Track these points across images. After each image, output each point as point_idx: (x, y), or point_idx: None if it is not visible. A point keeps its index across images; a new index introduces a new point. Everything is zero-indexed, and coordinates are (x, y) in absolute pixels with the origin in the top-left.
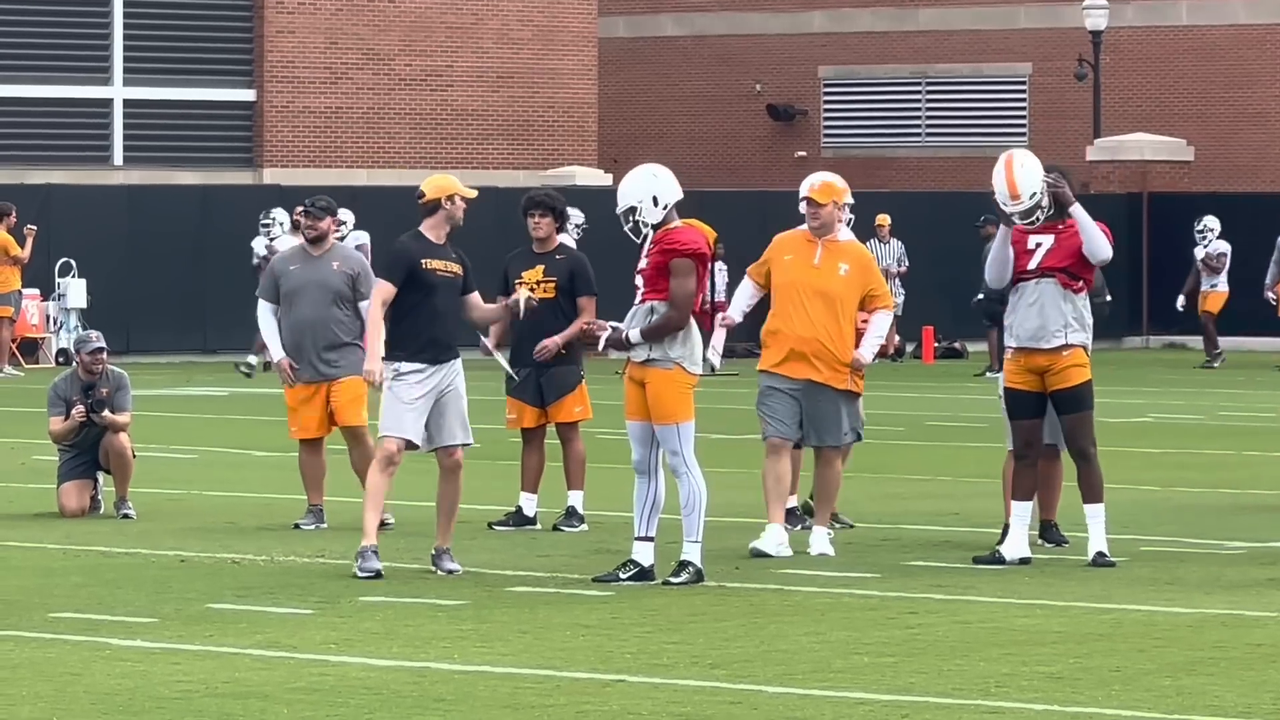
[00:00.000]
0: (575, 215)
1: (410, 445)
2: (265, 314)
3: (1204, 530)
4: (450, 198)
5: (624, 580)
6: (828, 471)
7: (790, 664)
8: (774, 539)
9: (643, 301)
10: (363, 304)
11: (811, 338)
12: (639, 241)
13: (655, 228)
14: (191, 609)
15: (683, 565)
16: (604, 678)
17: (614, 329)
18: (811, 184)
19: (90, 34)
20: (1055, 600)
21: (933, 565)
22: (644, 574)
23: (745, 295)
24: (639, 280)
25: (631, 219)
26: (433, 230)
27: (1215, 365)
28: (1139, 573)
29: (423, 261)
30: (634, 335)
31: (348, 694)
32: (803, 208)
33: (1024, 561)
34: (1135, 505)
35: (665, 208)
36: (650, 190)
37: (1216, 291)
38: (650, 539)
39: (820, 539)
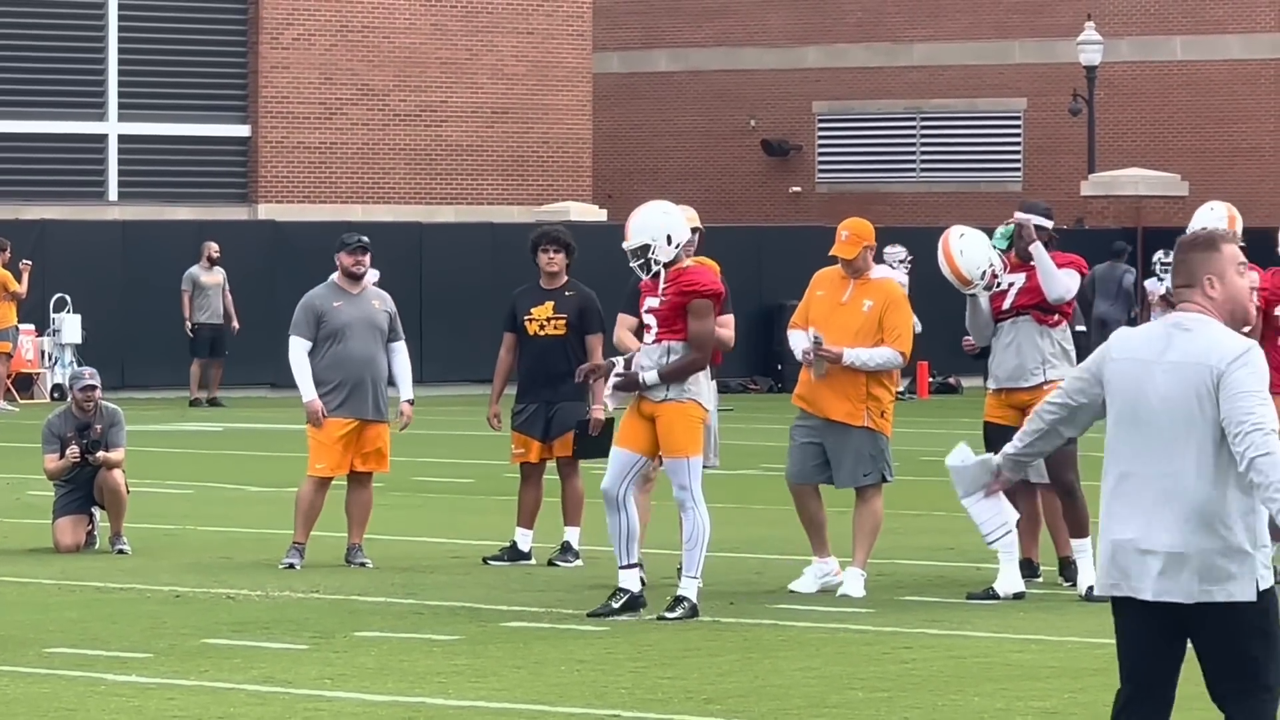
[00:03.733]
0: None
1: None
2: (300, 352)
3: None
4: None
5: (616, 608)
6: (863, 510)
7: (784, 699)
8: (816, 572)
9: (658, 341)
10: (394, 344)
11: (830, 374)
12: (648, 278)
13: (666, 266)
14: (186, 644)
15: (678, 600)
16: (598, 713)
17: (622, 374)
18: (840, 237)
19: (85, 69)
20: (1050, 635)
21: (927, 600)
22: (635, 600)
23: (800, 342)
24: (651, 320)
25: (644, 256)
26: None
27: None
28: None
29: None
30: (650, 377)
31: None
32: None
33: (1018, 596)
34: None
35: (677, 246)
36: (664, 229)
37: None
38: (635, 565)
39: (853, 579)
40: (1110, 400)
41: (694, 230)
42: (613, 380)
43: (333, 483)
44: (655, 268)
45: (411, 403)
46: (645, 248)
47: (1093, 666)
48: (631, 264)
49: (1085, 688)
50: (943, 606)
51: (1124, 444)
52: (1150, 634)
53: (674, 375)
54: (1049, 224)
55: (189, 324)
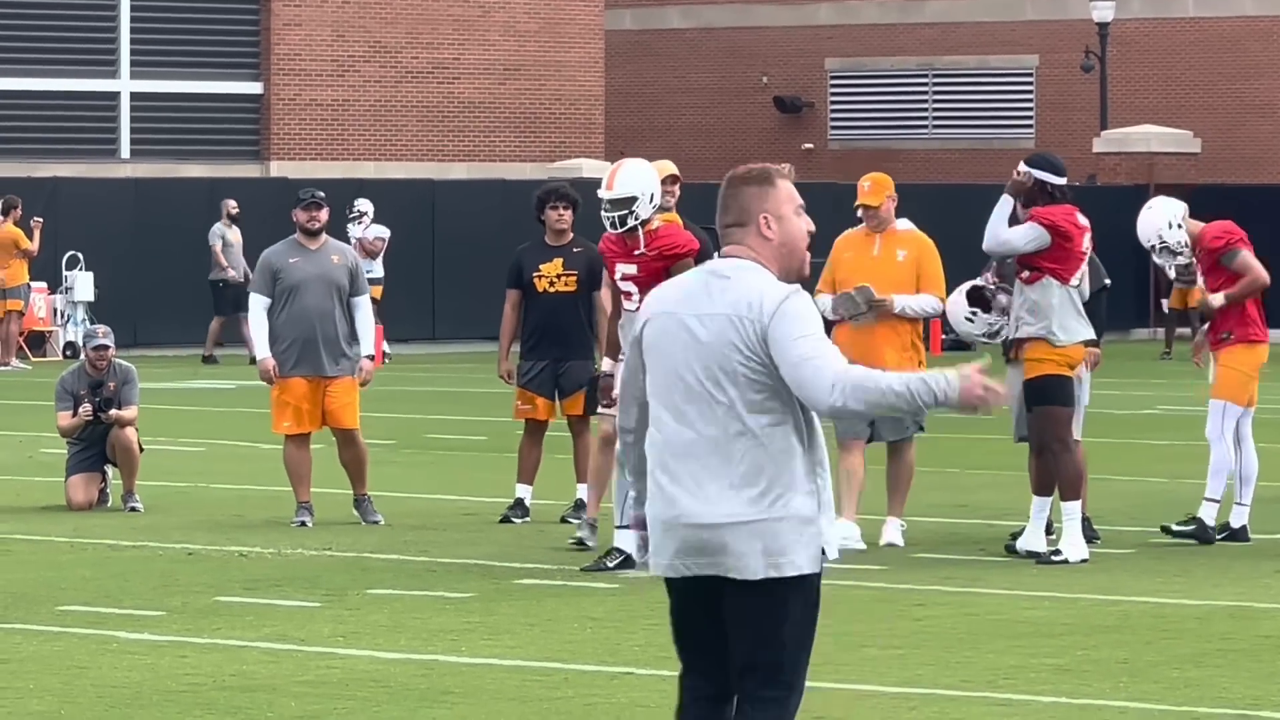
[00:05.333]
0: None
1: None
2: (258, 309)
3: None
4: None
5: (610, 567)
6: (900, 463)
7: None
8: (839, 533)
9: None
10: (356, 299)
11: (872, 326)
12: (619, 232)
13: (641, 224)
14: (199, 602)
15: None
16: (611, 670)
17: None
18: (862, 188)
19: (97, 27)
20: (1063, 592)
21: (941, 558)
22: (629, 561)
23: (826, 306)
24: (630, 287)
25: (626, 208)
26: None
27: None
28: (1147, 565)
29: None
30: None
31: (355, 687)
32: (860, 213)
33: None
34: (1143, 497)
35: (655, 208)
36: (650, 187)
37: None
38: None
39: (892, 530)
40: (649, 362)
41: (674, 179)
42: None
43: (313, 437)
44: (632, 222)
45: (372, 358)
46: (631, 199)
47: (1106, 624)
48: (606, 214)
49: (1098, 644)
50: (956, 564)
51: (665, 408)
52: (703, 611)
53: None
54: (1054, 179)
55: (223, 276)
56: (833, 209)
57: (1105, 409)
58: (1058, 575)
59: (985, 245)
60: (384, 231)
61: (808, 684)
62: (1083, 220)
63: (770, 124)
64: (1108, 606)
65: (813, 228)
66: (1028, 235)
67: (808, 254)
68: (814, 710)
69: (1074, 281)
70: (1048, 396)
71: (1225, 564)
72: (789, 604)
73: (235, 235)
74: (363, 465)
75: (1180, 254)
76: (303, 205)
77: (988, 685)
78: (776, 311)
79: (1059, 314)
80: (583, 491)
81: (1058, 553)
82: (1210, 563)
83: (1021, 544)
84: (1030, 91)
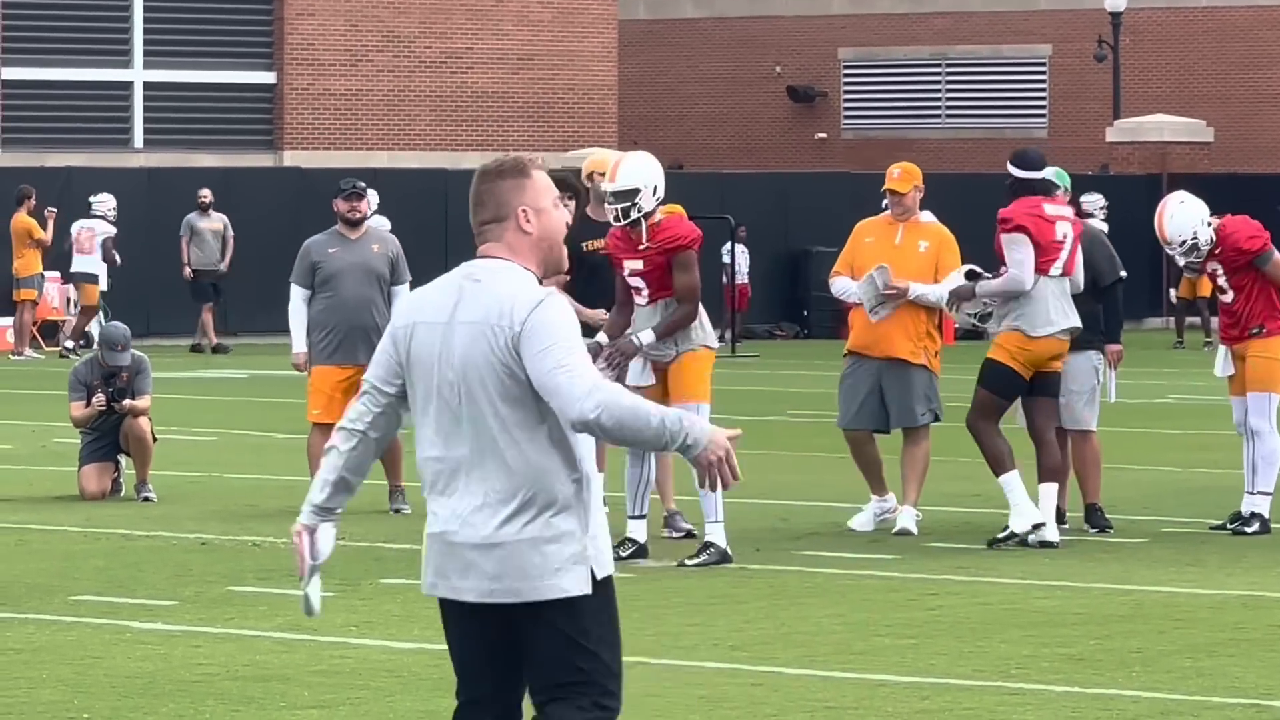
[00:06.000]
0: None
1: None
2: (297, 299)
3: (1226, 511)
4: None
5: (624, 557)
6: (914, 451)
7: (811, 646)
8: (867, 512)
9: (652, 303)
10: (397, 287)
11: (892, 315)
12: (623, 225)
13: (644, 217)
14: (212, 592)
15: (705, 546)
16: (624, 660)
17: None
18: (891, 174)
19: (110, 17)
20: (1076, 581)
21: (953, 547)
22: (641, 551)
23: (847, 288)
24: (639, 283)
25: (630, 200)
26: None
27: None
28: (1160, 554)
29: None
30: (647, 337)
31: (368, 676)
32: (886, 199)
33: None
34: (1157, 486)
35: (659, 201)
36: (655, 180)
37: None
38: (644, 516)
39: (908, 517)
40: (409, 376)
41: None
42: (605, 355)
43: None
44: (635, 215)
45: None
46: (634, 192)
47: (1119, 613)
48: (609, 205)
49: (1111, 634)
50: (969, 553)
51: (429, 425)
52: (478, 636)
53: (669, 331)
54: (1020, 173)
55: (188, 269)
56: (846, 198)
57: (1118, 398)
58: (1070, 564)
59: (1010, 292)
60: (384, 223)
61: (816, 674)
62: (1053, 209)
63: (783, 113)
64: (1121, 596)
65: (569, 219)
66: (1014, 255)
67: (565, 247)
68: (825, 700)
69: (1054, 271)
70: (987, 381)
71: (1239, 553)
72: (557, 624)
73: (212, 223)
74: (398, 457)
75: (1204, 251)
76: (344, 195)
77: (1000, 674)
78: (529, 318)
79: (1033, 306)
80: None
81: (1006, 530)
82: (1223, 552)
83: (1033, 537)
84: (1043, 81)
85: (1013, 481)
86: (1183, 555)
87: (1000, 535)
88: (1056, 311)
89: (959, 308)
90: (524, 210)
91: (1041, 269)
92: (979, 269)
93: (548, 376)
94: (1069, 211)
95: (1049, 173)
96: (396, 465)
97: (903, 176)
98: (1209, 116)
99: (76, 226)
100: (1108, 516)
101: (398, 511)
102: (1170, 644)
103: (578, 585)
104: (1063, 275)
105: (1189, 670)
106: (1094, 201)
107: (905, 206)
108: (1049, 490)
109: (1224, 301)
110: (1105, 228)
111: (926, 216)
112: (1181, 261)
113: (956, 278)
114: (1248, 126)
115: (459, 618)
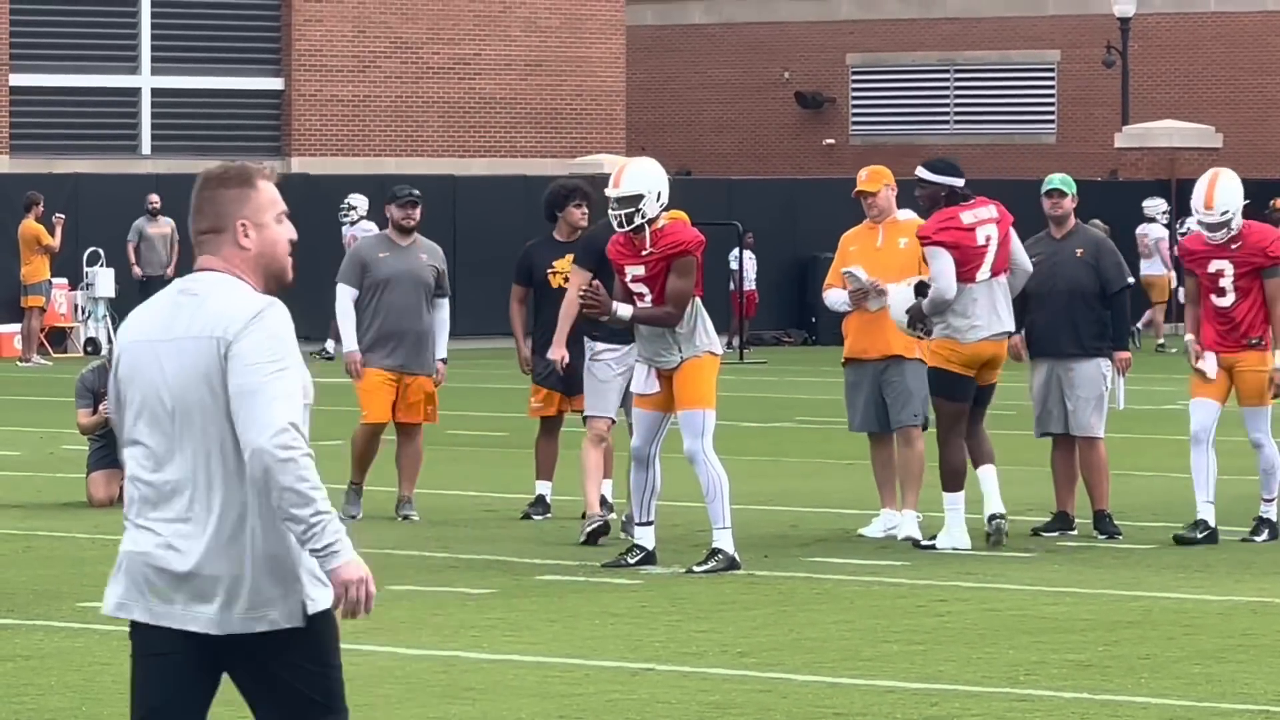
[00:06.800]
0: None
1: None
2: (345, 300)
3: (1234, 517)
4: None
5: (631, 564)
6: (907, 454)
7: (819, 652)
8: (879, 523)
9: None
10: (440, 300)
11: (883, 311)
12: (627, 231)
13: (648, 223)
14: None
15: (712, 553)
16: (632, 666)
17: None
18: (860, 177)
19: (118, 23)
20: (1084, 588)
21: (961, 553)
22: (649, 557)
23: (841, 300)
24: (642, 288)
25: (633, 206)
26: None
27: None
28: (1169, 560)
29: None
30: (625, 311)
31: (376, 683)
32: (862, 201)
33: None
34: (1165, 492)
35: (663, 207)
36: (658, 186)
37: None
38: (651, 523)
39: (911, 523)
40: (125, 394)
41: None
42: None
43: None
44: (639, 220)
45: (444, 361)
46: (638, 197)
47: (1127, 619)
48: (613, 211)
49: (1119, 640)
50: (977, 559)
51: (141, 446)
52: (186, 668)
53: (646, 320)
54: (932, 177)
55: (138, 274)
56: (854, 204)
57: (1127, 405)
58: (1079, 571)
59: (934, 311)
60: (374, 229)
61: (824, 680)
62: (970, 217)
63: (791, 119)
64: (1129, 602)
65: (294, 235)
66: (934, 267)
67: (290, 260)
68: (834, 706)
69: (980, 276)
70: (934, 389)
71: (1247, 560)
72: (285, 653)
73: (160, 228)
74: (418, 464)
75: (1232, 231)
76: (399, 202)
77: (1009, 681)
78: (243, 330)
79: (961, 313)
80: (603, 487)
81: (934, 539)
82: (1232, 559)
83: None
84: (1052, 87)
85: (957, 501)
86: (1191, 562)
87: (924, 542)
88: (986, 315)
89: (911, 324)
90: (243, 224)
91: (966, 277)
92: (928, 279)
93: (245, 396)
94: (991, 212)
95: (1054, 181)
96: (413, 475)
97: (870, 177)
98: (1218, 122)
99: (355, 229)
100: (1116, 523)
101: (405, 518)
102: (1179, 650)
103: (286, 618)
104: (993, 277)
105: (1198, 676)
106: (1155, 206)
107: (880, 207)
108: (952, 499)
109: (1220, 305)
110: (1165, 235)
111: (904, 214)
112: (1204, 231)
113: (906, 290)
114: (1257, 132)
115: (158, 645)
